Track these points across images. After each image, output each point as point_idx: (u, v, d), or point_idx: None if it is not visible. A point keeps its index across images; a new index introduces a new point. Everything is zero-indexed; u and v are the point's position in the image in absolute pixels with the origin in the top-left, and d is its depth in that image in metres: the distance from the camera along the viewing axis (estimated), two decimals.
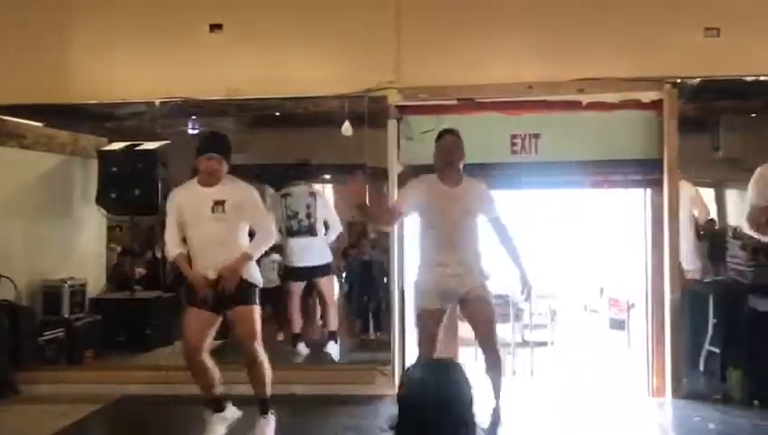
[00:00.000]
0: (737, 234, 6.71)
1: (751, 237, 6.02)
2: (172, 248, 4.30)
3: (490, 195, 4.40)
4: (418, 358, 4.14)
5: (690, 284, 6.29)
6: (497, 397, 4.24)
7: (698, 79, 5.35)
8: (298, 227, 6.41)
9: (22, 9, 5.83)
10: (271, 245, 4.55)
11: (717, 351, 5.78)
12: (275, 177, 7.00)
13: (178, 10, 5.68)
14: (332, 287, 6.59)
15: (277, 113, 7.14)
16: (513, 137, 5.69)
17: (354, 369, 5.94)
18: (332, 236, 6.55)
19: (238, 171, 4.50)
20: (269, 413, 4.36)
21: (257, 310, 4.29)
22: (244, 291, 4.23)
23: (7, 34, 5.80)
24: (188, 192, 4.31)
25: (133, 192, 6.54)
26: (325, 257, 6.45)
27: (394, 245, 5.65)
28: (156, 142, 6.77)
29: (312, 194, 6.46)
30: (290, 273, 6.51)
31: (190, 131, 8.20)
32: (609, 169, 5.57)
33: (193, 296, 4.24)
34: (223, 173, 4.25)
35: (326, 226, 6.48)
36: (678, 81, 5.31)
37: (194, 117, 7.58)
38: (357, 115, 5.62)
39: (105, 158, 6.78)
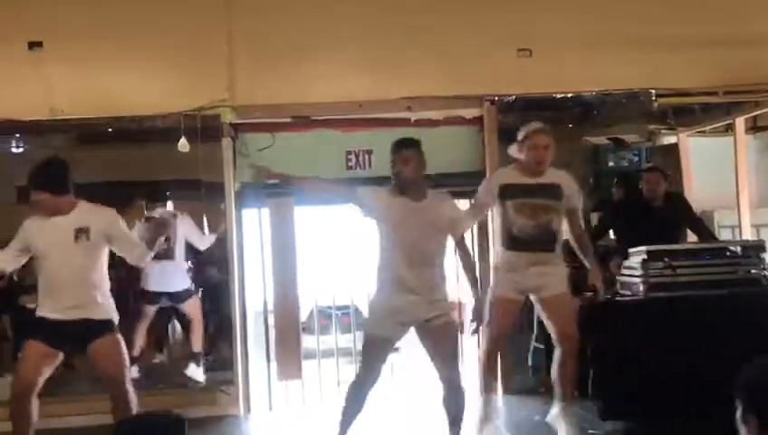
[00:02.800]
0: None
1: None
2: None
3: (458, 210, 4.15)
4: (357, 382, 4.02)
5: None
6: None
7: (514, 96, 5.77)
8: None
9: None
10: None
11: (542, 347, 6.22)
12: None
13: None
14: (197, 309, 6.32)
15: (110, 129, 6.89)
16: (348, 153, 5.89)
17: (196, 390, 5.86)
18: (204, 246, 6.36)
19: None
20: None
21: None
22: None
23: None
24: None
25: None
26: (184, 282, 6.28)
27: (234, 264, 5.65)
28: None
29: (173, 216, 6.20)
30: (145, 296, 6.26)
31: (14, 150, 7.74)
32: (438, 182, 5.84)
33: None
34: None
35: (192, 248, 6.32)
36: (496, 98, 5.71)
37: (17, 135, 7.17)
38: (191, 131, 5.57)
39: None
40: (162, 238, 4.27)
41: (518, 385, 5.86)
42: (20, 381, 3.95)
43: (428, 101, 5.61)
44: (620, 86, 5.86)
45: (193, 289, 6.37)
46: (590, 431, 4.68)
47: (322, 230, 7.30)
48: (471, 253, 4.25)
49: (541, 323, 6.25)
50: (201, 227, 6.25)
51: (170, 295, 6.23)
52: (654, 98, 5.90)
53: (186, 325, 6.48)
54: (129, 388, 4.00)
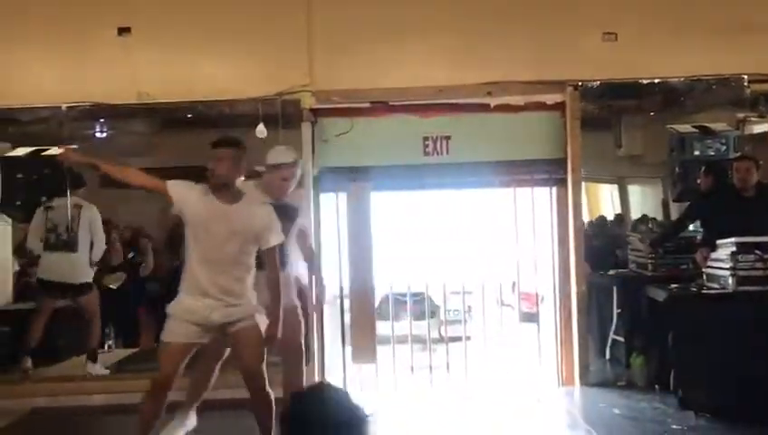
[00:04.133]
0: (638, 228, 7.09)
1: (651, 231, 6.39)
2: None
3: (272, 223, 3.83)
4: (154, 386, 3.76)
5: (596, 277, 6.61)
6: None
7: (598, 81, 5.62)
8: (56, 240, 6.07)
9: None
10: None
11: (621, 339, 6.09)
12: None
13: (85, 12, 5.56)
14: (94, 305, 6.14)
15: (189, 115, 7.05)
16: (425, 139, 5.85)
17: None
18: (97, 254, 6.23)
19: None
20: None
21: None
22: None
23: None
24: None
25: (39, 199, 6.32)
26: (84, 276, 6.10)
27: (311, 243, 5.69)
28: (63, 147, 6.56)
29: (78, 207, 6.12)
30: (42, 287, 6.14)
31: (98, 135, 8.01)
32: (516, 169, 5.79)
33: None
34: None
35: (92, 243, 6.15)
36: (579, 83, 5.57)
37: (102, 120, 7.41)
38: (271, 117, 5.63)
39: (9, 164, 6.53)
40: None
41: (596, 377, 5.75)
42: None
43: (510, 86, 5.52)
44: (710, 72, 5.66)
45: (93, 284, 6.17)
46: (673, 426, 4.55)
47: (399, 216, 7.31)
48: (277, 267, 3.86)
49: (620, 314, 6.17)
50: None
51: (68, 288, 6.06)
52: (747, 84, 5.66)
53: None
54: None
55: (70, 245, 5.99)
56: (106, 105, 5.61)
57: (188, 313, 3.74)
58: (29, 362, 5.94)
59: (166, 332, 3.79)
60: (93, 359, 6.02)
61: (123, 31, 5.51)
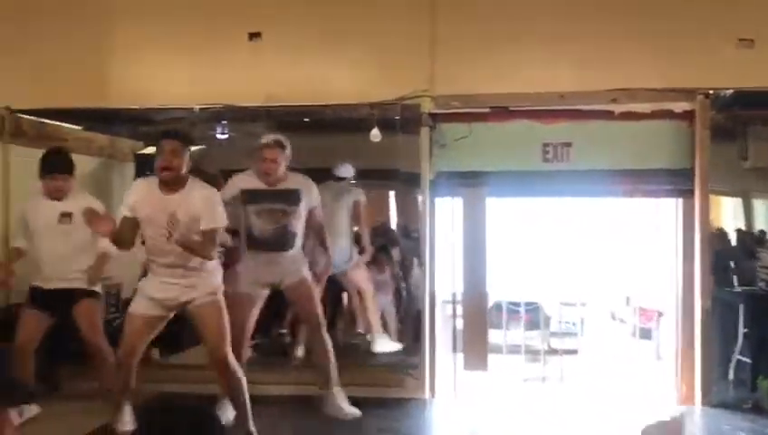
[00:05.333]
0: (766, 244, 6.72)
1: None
2: None
3: (210, 204, 4.10)
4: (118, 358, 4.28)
5: (721, 292, 6.31)
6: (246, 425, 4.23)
7: (731, 90, 5.38)
8: None
9: (63, 16, 5.97)
10: None
11: (748, 360, 5.79)
12: None
13: (218, 18, 5.80)
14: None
15: (305, 119, 7.24)
16: (545, 145, 5.76)
17: (384, 371, 5.99)
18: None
19: None
20: None
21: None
22: None
23: (49, 40, 5.94)
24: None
25: None
26: None
27: (426, 252, 5.73)
28: (192, 147, 6.87)
29: None
30: None
31: (219, 136, 8.35)
32: (639, 179, 5.62)
33: None
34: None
35: None
36: (711, 92, 5.35)
37: (224, 122, 7.72)
38: (388, 122, 5.71)
39: (142, 161, 6.90)
40: None
41: (718, 399, 5.49)
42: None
43: (637, 93, 5.35)
44: None
45: None
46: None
47: (516, 223, 7.23)
48: (203, 252, 4.06)
49: (745, 334, 5.87)
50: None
51: None
52: None
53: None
54: None
55: None
56: (236, 107, 5.83)
57: (155, 290, 4.15)
58: None
59: (135, 304, 4.21)
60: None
61: (254, 36, 5.73)
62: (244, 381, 4.23)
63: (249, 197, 4.69)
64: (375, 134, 5.68)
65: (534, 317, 6.83)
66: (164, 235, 4.00)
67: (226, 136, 8.60)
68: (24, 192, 5.97)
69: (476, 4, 5.67)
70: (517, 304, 6.83)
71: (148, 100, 5.89)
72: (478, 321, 5.83)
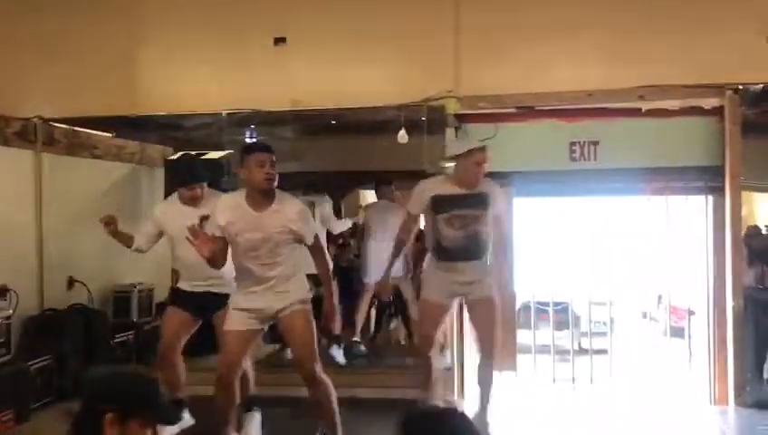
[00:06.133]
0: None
1: None
2: None
3: (305, 218, 4.03)
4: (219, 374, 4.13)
5: (754, 291, 6.22)
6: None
7: (761, 85, 5.30)
8: None
9: (93, 26, 6.08)
10: None
11: None
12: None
13: (244, 24, 5.86)
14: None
15: (333, 122, 7.28)
16: (572, 144, 5.73)
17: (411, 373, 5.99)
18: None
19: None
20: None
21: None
22: None
23: (79, 50, 6.07)
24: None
25: None
26: None
27: None
28: (220, 152, 6.96)
29: (311, 204, 6.21)
30: None
31: (247, 140, 8.42)
32: (668, 176, 5.56)
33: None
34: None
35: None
36: (740, 87, 5.28)
37: (252, 126, 7.79)
38: (413, 123, 5.72)
39: (173, 166, 6.98)
40: None
41: (752, 398, 5.41)
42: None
43: (665, 90, 5.29)
44: None
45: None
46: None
47: (545, 222, 7.20)
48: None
49: None
50: None
51: None
52: None
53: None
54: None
55: None
56: (263, 112, 5.88)
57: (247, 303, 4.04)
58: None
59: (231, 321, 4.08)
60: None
61: (279, 41, 5.78)
62: (331, 390, 4.15)
63: (440, 203, 4.45)
64: (402, 136, 5.70)
65: (563, 317, 6.79)
66: (257, 248, 3.93)
67: (254, 140, 8.70)
68: (56, 199, 6.11)
69: (501, 4, 5.65)
70: (546, 304, 6.79)
71: (176, 106, 5.98)
72: (506, 321, 5.81)
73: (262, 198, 3.90)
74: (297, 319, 4.04)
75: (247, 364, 4.54)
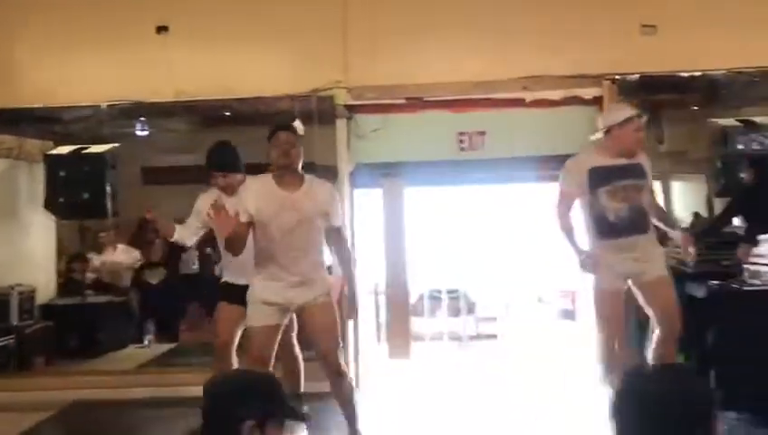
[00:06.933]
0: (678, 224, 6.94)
1: (691, 227, 6.25)
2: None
3: (336, 199, 3.96)
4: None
5: None
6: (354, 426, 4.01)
7: (637, 75, 5.52)
8: None
9: None
10: None
11: None
12: None
13: (124, 12, 5.66)
14: None
15: (227, 113, 7.13)
16: (460, 134, 5.81)
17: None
18: None
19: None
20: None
21: None
22: None
23: None
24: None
25: (82, 196, 6.45)
26: None
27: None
28: (104, 145, 6.70)
29: None
30: None
31: (138, 133, 8.14)
32: (553, 164, 5.69)
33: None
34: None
35: None
36: (617, 77, 5.48)
37: (142, 118, 7.53)
38: (306, 114, 5.66)
39: (52, 162, 6.67)
40: None
41: None
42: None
43: (546, 80, 5.45)
44: (753, 64, 5.50)
45: None
46: None
47: (436, 212, 7.29)
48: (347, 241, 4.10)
49: None
50: None
51: None
52: None
53: None
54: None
55: None
56: (145, 103, 5.70)
57: (272, 294, 3.81)
58: None
59: (255, 316, 3.86)
60: None
61: (161, 29, 5.60)
62: (353, 385, 4.07)
63: (598, 176, 4.14)
64: (298, 126, 5.62)
65: (457, 304, 6.91)
66: (292, 231, 3.75)
67: (146, 133, 8.42)
68: None
69: None
70: (439, 292, 6.89)
71: (53, 98, 5.71)
72: (401, 309, 5.87)
73: (291, 178, 3.77)
74: (325, 311, 3.87)
75: (298, 357, 4.44)
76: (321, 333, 3.87)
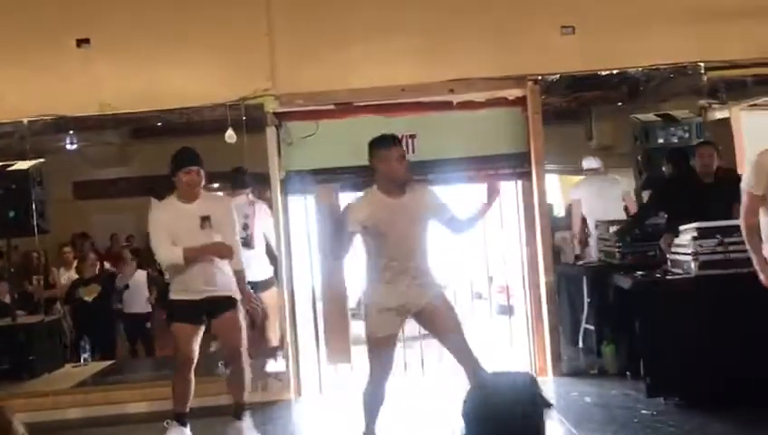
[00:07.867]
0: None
1: (618, 221, 6.45)
2: (172, 251, 4.37)
3: (438, 197, 4.15)
4: (373, 382, 4.12)
5: (566, 267, 6.68)
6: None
7: (557, 75, 5.68)
8: None
9: None
10: None
11: (593, 328, 6.17)
12: None
13: (43, 25, 5.56)
14: (274, 300, 5.97)
15: (158, 124, 7.05)
16: None
17: None
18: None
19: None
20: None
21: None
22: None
23: None
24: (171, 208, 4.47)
25: (7, 214, 6.26)
26: (265, 272, 6.01)
27: (281, 251, 5.73)
28: (29, 162, 6.52)
29: (252, 204, 6.07)
30: None
31: (68, 147, 7.95)
32: (482, 165, 5.83)
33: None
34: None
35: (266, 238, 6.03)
36: (539, 78, 5.63)
37: (71, 132, 7.38)
38: (236, 122, 5.65)
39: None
40: None
41: (569, 367, 5.83)
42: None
43: (471, 82, 5.56)
44: (668, 61, 5.72)
45: (274, 279, 6.00)
46: (643, 412, 4.63)
47: None
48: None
49: (590, 303, 6.25)
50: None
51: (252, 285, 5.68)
52: (703, 71, 5.74)
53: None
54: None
55: (248, 242, 5.80)
56: (69, 118, 5.59)
57: (390, 301, 3.96)
58: None
59: (373, 326, 4.01)
60: (275, 358, 6.02)
61: (82, 42, 5.50)
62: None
63: None
64: (230, 135, 5.61)
65: None
66: (406, 235, 3.92)
67: (75, 147, 8.22)
68: None
69: (313, 5, 5.69)
70: None
71: None
72: (339, 315, 5.89)
73: (397, 188, 3.96)
74: (445, 307, 4.07)
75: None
76: (454, 329, 4.04)
